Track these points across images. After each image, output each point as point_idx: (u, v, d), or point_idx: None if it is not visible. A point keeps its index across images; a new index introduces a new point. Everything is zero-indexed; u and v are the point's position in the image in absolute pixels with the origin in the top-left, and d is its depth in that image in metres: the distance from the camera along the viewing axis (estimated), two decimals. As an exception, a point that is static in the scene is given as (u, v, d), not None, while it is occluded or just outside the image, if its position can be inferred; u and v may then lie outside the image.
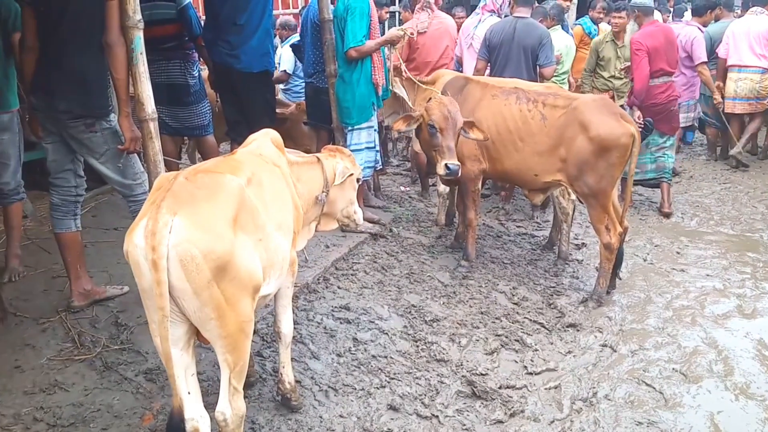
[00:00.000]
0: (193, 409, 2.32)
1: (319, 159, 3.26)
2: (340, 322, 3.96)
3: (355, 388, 3.36)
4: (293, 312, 3.89)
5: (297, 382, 3.29)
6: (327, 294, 4.28)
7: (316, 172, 3.22)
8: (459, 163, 4.35)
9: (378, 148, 5.54)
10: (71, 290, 3.74)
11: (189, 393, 2.33)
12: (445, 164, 4.31)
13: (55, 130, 3.54)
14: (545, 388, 3.51)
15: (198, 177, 2.38)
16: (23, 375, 3.16)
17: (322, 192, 3.21)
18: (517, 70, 5.68)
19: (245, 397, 3.12)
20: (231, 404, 2.41)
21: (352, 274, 4.58)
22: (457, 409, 3.27)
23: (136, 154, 3.63)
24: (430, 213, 6.16)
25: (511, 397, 3.39)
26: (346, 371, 3.50)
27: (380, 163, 5.73)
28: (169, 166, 3.56)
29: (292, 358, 3.45)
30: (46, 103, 3.46)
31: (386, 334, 3.89)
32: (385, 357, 3.66)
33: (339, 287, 4.39)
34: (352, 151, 5.24)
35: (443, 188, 5.45)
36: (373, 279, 4.57)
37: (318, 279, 4.43)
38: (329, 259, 4.69)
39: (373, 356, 3.65)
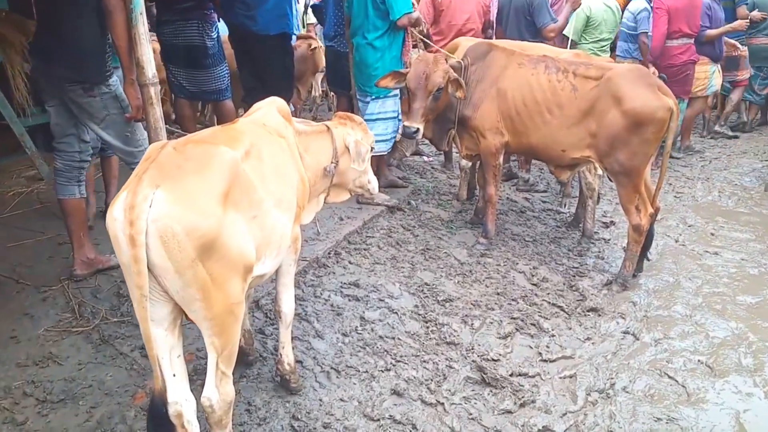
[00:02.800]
0: (178, 393, 2.19)
1: (328, 128, 3.06)
2: (349, 300, 3.79)
3: (359, 371, 3.20)
4: (299, 288, 3.77)
5: (298, 362, 3.16)
6: (337, 269, 4.11)
7: (324, 141, 3.01)
8: (417, 127, 4.35)
9: (401, 117, 5.33)
10: (74, 258, 3.66)
11: (174, 375, 2.21)
12: (403, 125, 4.40)
13: (56, 94, 3.42)
14: (560, 377, 3.31)
15: (188, 147, 2.21)
16: (18, 346, 3.08)
17: (332, 163, 3.02)
18: (518, 34, 5.51)
19: (243, 376, 3.06)
20: (218, 389, 2.26)
21: (364, 249, 4.40)
22: (464, 397, 3.09)
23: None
24: (452, 186, 5.94)
25: (522, 385, 3.20)
26: (350, 352, 3.34)
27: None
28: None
29: (294, 337, 3.33)
30: (45, 68, 3.35)
31: (396, 313, 3.71)
32: (393, 338, 3.49)
33: (350, 262, 4.21)
34: (377, 120, 5.08)
35: (465, 162, 5.21)
36: (387, 254, 4.39)
37: (329, 253, 4.26)
38: (342, 233, 4.51)
39: (380, 337, 3.48)
